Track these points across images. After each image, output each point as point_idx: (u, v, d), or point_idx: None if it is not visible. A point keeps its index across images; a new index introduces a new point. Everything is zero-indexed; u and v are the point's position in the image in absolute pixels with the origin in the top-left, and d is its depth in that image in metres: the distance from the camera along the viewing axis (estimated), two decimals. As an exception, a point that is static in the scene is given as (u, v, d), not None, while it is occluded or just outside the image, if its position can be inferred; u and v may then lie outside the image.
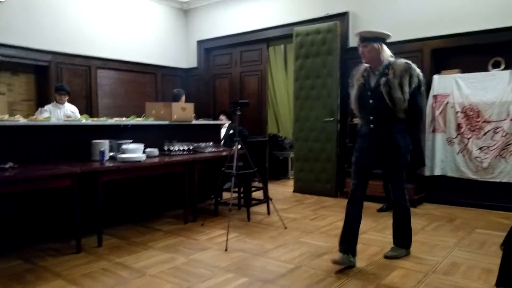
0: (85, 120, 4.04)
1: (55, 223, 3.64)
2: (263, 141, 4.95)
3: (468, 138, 4.80)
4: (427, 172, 5.08)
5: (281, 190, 6.24)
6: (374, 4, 5.54)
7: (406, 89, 2.75)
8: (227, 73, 7.46)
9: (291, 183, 6.47)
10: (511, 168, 4.53)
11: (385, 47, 2.89)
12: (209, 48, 7.60)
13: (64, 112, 5.07)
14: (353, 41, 5.69)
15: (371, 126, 2.90)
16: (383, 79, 2.80)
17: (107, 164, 3.48)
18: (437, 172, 5.03)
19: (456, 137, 4.90)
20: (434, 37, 5.06)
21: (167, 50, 7.57)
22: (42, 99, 5.84)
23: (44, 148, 3.56)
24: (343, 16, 5.70)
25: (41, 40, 5.74)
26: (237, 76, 7.34)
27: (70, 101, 5.34)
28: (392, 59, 2.91)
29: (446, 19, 4.97)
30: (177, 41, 7.75)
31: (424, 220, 4.30)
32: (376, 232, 3.85)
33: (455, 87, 4.86)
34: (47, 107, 5.09)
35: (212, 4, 7.38)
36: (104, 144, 3.63)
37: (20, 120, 3.47)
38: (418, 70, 2.83)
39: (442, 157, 5.00)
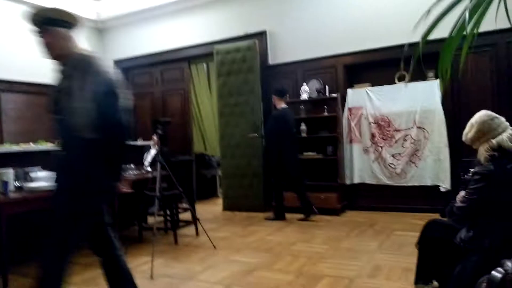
0: (-15, 148, 3.62)
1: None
2: (188, 161, 4.84)
3: (382, 147, 5.15)
4: (347, 181, 5.33)
5: (211, 209, 6.12)
6: (289, 23, 5.76)
7: (80, 94, 1.85)
8: (148, 92, 7.24)
9: (220, 201, 6.37)
10: (420, 173, 4.93)
11: (75, 36, 2.04)
12: (127, 68, 7.32)
13: None
14: (272, 59, 5.87)
15: (57, 153, 2.00)
16: (61, 84, 1.96)
17: (12, 195, 3.13)
18: (356, 180, 5.30)
19: (371, 146, 5.22)
20: (345, 54, 5.39)
21: (82, 70, 7.15)
22: None
23: None
24: (261, 35, 5.85)
25: None
26: (159, 95, 7.15)
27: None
28: (78, 52, 1.98)
29: (356, 37, 5.31)
30: (92, 61, 7.36)
31: (348, 227, 4.47)
32: (303, 243, 3.92)
33: (367, 100, 5.21)
34: None
35: (129, 23, 7.16)
36: (7, 174, 3.26)
37: None
38: (102, 67, 1.92)
39: (360, 166, 5.29)
